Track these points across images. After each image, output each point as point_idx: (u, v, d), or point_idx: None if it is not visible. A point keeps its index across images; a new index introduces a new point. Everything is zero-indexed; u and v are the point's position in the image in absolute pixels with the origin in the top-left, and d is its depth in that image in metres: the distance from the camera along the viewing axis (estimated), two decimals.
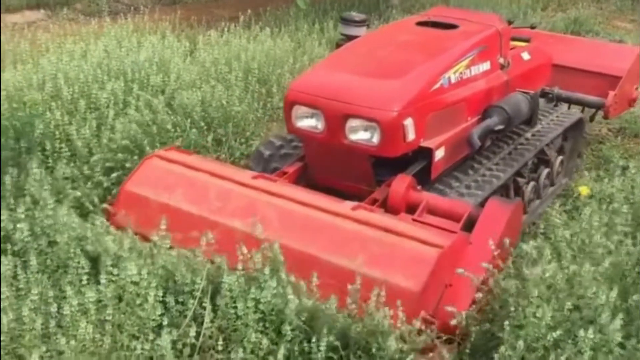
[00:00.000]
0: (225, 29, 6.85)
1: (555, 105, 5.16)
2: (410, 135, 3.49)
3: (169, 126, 4.34)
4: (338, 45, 4.87)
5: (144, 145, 4.14)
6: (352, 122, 3.50)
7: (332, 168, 3.83)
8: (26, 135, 3.95)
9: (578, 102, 5.25)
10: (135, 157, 4.04)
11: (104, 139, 4.15)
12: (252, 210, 3.09)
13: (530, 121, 4.26)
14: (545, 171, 4.62)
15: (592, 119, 5.57)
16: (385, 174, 3.63)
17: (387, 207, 3.47)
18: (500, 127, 3.95)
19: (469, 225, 3.23)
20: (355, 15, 5.34)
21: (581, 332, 2.49)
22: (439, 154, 3.66)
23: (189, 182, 3.36)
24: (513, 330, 2.63)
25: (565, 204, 4.39)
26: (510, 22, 4.66)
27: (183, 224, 3.05)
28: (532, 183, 4.43)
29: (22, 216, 2.93)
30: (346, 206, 3.18)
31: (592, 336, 2.48)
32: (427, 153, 3.63)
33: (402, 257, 2.84)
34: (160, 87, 4.97)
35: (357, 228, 3.00)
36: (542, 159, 4.61)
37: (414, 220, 3.33)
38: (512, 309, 2.72)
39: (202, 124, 4.61)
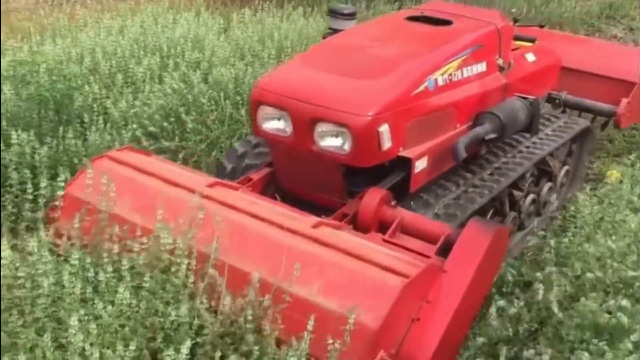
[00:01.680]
0: (259, 7, 6.89)
1: (563, 112, 4.82)
2: (387, 143, 3.07)
3: (204, 100, 4.41)
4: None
5: (180, 113, 4.24)
6: (322, 127, 3.09)
7: (300, 176, 3.42)
8: (65, 107, 4.05)
9: (587, 110, 4.89)
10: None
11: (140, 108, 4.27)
12: (201, 224, 2.66)
13: (530, 129, 3.84)
14: (547, 185, 4.30)
15: (603, 127, 5.27)
16: (360, 185, 3.22)
17: (357, 223, 3.08)
18: (493, 136, 3.52)
19: (447, 248, 2.80)
20: (344, 7, 4.92)
21: None
22: (420, 164, 3.26)
23: (137, 188, 2.97)
24: None
25: (596, 188, 4.35)
26: (515, 20, 4.29)
27: (126, 235, 2.69)
28: (530, 197, 4.10)
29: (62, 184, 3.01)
30: (307, 223, 2.73)
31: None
32: (407, 163, 3.23)
33: (361, 287, 2.43)
34: (195, 63, 5.04)
35: (315, 250, 2.58)
36: (543, 171, 4.29)
37: (384, 241, 2.93)
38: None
39: (238, 98, 4.68)
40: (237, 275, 2.50)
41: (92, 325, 2.25)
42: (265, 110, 3.25)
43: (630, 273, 2.80)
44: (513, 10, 9.03)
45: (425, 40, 3.73)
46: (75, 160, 3.66)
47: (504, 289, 3.25)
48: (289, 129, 3.20)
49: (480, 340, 2.82)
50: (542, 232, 3.84)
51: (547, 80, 4.63)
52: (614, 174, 4.09)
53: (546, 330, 2.78)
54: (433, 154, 3.34)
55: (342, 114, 3.04)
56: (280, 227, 2.68)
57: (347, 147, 3.06)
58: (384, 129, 3.04)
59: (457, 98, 3.50)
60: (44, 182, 3.06)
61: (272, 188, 3.48)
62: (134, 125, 4.10)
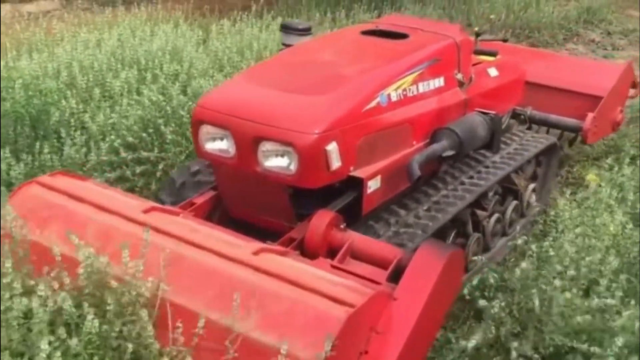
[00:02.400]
0: (238, 18, 6.88)
1: (529, 128, 4.72)
2: (335, 163, 2.88)
3: (183, 112, 4.39)
4: None
5: (159, 124, 4.22)
6: (265, 146, 2.91)
7: (246, 199, 3.24)
8: (42, 122, 4.02)
9: (553, 125, 4.82)
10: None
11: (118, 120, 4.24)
12: (133, 253, 2.43)
13: (491, 146, 3.70)
14: (513, 203, 4.14)
15: (571, 143, 5.24)
16: (309, 207, 3.01)
17: (304, 249, 2.90)
18: (450, 153, 3.38)
19: (399, 274, 2.61)
20: (298, 22, 4.64)
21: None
22: (373, 184, 3.09)
23: (67, 216, 2.72)
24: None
25: (576, 192, 4.37)
26: (477, 34, 4.18)
27: (53, 267, 2.42)
28: (495, 216, 3.94)
29: None
30: (247, 250, 2.52)
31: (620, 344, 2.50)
32: (359, 183, 3.06)
33: (302, 319, 2.23)
34: (173, 75, 5.02)
35: (254, 279, 2.38)
36: (509, 189, 4.14)
37: (333, 267, 2.74)
38: None
39: None
40: (171, 308, 2.30)
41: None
42: (206, 130, 3.07)
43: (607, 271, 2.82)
44: (492, 16, 9.11)
45: (379, 54, 3.58)
46: None
47: (486, 293, 3.24)
48: (231, 149, 3.01)
49: (463, 343, 2.80)
50: (524, 237, 3.83)
51: (511, 95, 4.52)
52: (593, 177, 4.10)
53: (528, 333, 2.76)
54: (387, 173, 3.17)
55: (286, 132, 2.86)
56: (218, 254, 2.47)
57: (293, 167, 2.88)
58: (332, 147, 2.87)
59: (413, 114, 3.35)
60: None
61: (217, 212, 3.29)
62: (112, 137, 4.06)
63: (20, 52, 5.34)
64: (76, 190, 2.83)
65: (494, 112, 3.70)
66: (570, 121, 4.71)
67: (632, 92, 5.28)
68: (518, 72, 4.55)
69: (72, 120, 4.14)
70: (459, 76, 3.72)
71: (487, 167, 3.81)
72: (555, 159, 4.57)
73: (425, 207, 3.36)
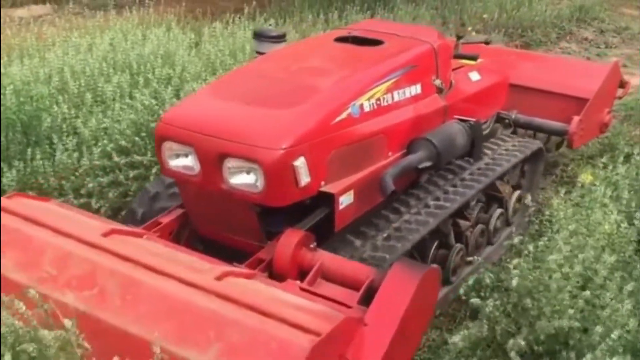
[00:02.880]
0: (230, 21, 6.87)
1: (513, 132, 4.60)
2: (304, 179, 2.75)
3: None
4: None
5: (151, 128, 4.16)
6: (230, 163, 2.77)
7: (213, 218, 3.09)
8: (33, 128, 4.00)
9: (538, 129, 4.69)
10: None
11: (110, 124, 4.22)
12: (90, 281, 2.31)
13: (471, 154, 3.59)
14: (498, 211, 4.02)
15: (559, 146, 5.14)
16: (280, 225, 2.87)
17: (273, 270, 2.77)
18: (427, 164, 3.26)
19: (371, 296, 2.48)
20: (271, 29, 4.40)
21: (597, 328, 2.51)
22: (346, 200, 2.95)
23: (24, 241, 2.54)
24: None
25: (570, 191, 4.36)
26: (459, 37, 4.08)
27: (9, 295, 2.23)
28: (479, 227, 3.81)
29: None
30: (211, 274, 2.35)
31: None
32: (330, 199, 2.92)
33: (265, 349, 2.09)
34: (166, 79, 5.00)
35: (215, 306, 2.21)
36: (493, 196, 4.02)
37: (302, 289, 2.60)
38: None
39: None
40: (127, 340, 2.16)
41: None
42: (170, 147, 2.93)
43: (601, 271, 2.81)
44: (485, 15, 9.11)
45: (351, 63, 3.44)
46: (42, 181, 3.61)
47: (482, 293, 3.23)
48: (196, 167, 2.87)
49: (460, 343, 2.79)
50: (520, 237, 3.82)
51: (495, 99, 4.37)
52: (587, 176, 4.09)
53: (522, 330, 2.75)
54: (361, 187, 3.04)
55: (251, 148, 2.71)
56: (178, 280, 2.30)
57: (259, 184, 2.74)
58: (300, 163, 2.73)
59: (387, 124, 3.22)
60: None
61: (186, 231, 3.16)
62: (105, 141, 4.05)
63: (11, 58, 5.31)
64: (34, 213, 2.66)
65: (474, 119, 3.59)
66: (556, 125, 4.59)
67: (620, 92, 5.19)
68: (501, 75, 4.42)
69: (64, 125, 4.12)
70: (438, 82, 3.58)
71: (463, 179, 3.63)
72: (541, 164, 4.45)
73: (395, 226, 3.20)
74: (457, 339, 2.80)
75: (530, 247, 3.26)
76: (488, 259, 3.90)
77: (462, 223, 3.62)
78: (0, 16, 6.76)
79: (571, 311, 2.62)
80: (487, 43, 4.53)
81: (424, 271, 2.48)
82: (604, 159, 4.26)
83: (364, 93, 3.11)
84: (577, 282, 2.81)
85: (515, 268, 2.95)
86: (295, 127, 2.82)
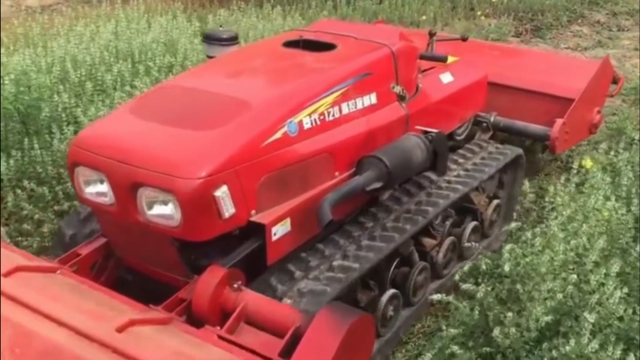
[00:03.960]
0: (235, 8, 6.86)
1: (492, 136, 4.26)
2: (228, 210, 2.44)
3: None
4: None
5: None
6: (145, 193, 2.45)
7: (134, 250, 2.78)
8: (32, 118, 4.01)
9: (519, 133, 4.34)
10: None
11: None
12: None
13: (434, 168, 3.22)
14: (472, 224, 3.72)
15: (544, 149, 4.81)
16: (211, 256, 2.58)
17: (192, 313, 2.47)
18: (376, 185, 2.89)
19: (296, 344, 2.20)
20: (223, 31, 4.07)
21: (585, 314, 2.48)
22: (281, 229, 2.62)
23: None
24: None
25: (569, 178, 4.29)
26: (432, 34, 3.74)
27: None
28: (449, 240, 3.52)
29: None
30: (112, 324, 2.01)
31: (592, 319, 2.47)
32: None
33: None
34: (167, 67, 5.00)
35: None
36: (467, 209, 3.74)
37: (220, 338, 2.28)
38: None
39: None
40: None
41: None
42: (83, 173, 2.60)
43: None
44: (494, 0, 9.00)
45: (294, 72, 3.10)
46: (40, 170, 3.63)
47: (479, 280, 3.21)
48: (110, 196, 2.56)
49: (452, 330, 2.78)
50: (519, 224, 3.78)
51: (471, 102, 3.99)
52: (588, 162, 4.04)
53: (512, 316, 2.73)
54: (300, 213, 2.71)
55: (166, 177, 2.37)
56: (75, 331, 2.00)
57: (176, 217, 2.42)
58: (222, 192, 2.41)
59: (334, 141, 2.87)
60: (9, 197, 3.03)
61: (111, 262, 2.85)
62: None
63: (15, 47, 5.34)
64: None
65: (442, 127, 3.28)
66: (537, 128, 4.23)
67: (612, 89, 4.85)
68: (478, 74, 4.01)
69: (63, 115, 4.13)
70: (398, 89, 3.24)
71: (429, 194, 3.34)
72: (522, 172, 4.11)
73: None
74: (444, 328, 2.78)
75: (529, 234, 3.24)
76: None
77: (427, 242, 3.37)
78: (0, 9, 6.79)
79: (560, 296, 2.59)
80: (464, 39, 4.11)
81: (353, 319, 2.19)
82: (603, 145, 4.21)
83: (304, 108, 2.76)
84: (570, 268, 2.78)
85: (508, 253, 2.92)
86: (218, 151, 2.47)
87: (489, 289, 2.84)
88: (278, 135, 2.64)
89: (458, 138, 3.96)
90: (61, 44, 5.06)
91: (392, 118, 3.19)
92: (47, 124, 4.02)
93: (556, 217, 3.31)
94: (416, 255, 3.28)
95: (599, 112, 4.52)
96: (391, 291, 3.09)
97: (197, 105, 2.76)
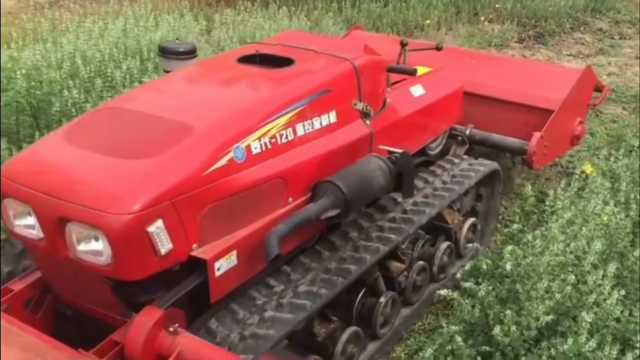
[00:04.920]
0: (242, 8, 6.93)
1: (469, 151, 4.05)
2: (164, 246, 2.22)
3: None
4: None
5: None
6: (73, 228, 2.24)
7: (69, 287, 2.57)
8: (43, 112, 4.08)
9: (495, 146, 4.09)
10: None
11: None
12: None
13: (401, 189, 2.96)
14: (445, 245, 3.53)
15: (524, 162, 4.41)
16: (153, 291, 2.37)
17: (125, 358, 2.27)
18: (331, 213, 2.66)
19: None
20: (179, 44, 3.76)
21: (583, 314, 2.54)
22: (225, 264, 2.40)
23: None
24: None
25: (569, 183, 4.34)
26: (403, 44, 3.62)
27: None
28: (420, 264, 3.33)
29: None
30: None
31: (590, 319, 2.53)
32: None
33: None
34: None
35: None
36: (440, 228, 3.55)
37: None
38: None
39: None
40: None
41: None
42: (11, 205, 2.40)
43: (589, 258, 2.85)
44: (497, 5, 9.08)
45: (245, 91, 2.89)
46: None
47: (480, 280, 3.27)
48: (39, 230, 2.36)
49: (453, 327, 2.84)
50: (519, 226, 3.84)
51: (445, 115, 3.79)
52: (588, 168, 4.11)
53: (511, 315, 2.80)
54: (248, 245, 2.48)
55: (93, 212, 2.16)
56: None
57: (107, 255, 2.20)
58: (157, 227, 2.20)
59: (287, 165, 2.64)
60: None
61: (48, 297, 2.63)
62: None
63: (25, 42, 5.41)
64: None
65: (400, 149, 2.98)
66: (514, 142, 4.00)
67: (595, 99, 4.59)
68: (453, 86, 3.80)
69: (73, 110, 4.19)
70: (360, 106, 3.02)
71: (393, 220, 3.09)
72: (499, 187, 3.93)
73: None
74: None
75: (529, 236, 3.31)
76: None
77: (394, 266, 3.17)
78: (0, 6, 6.85)
79: (558, 296, 2.66)
80: (438, 48, 3.85)
81: None
82: (604, 151, 4.27)
83: (253, 131, 2.52)
84: (569, 270, 2.85)
85: (509, 254, 2.99)
86: (152, 182, 2.24)
87: (490, 288, 2.91)
88: (222, 162, 2.40)
89: (431, 153, 3.76)
90: (70, 39, 5.13)
91: (354, 137, 2.97)
92: (57, 118, 4.08)
93: (556, 220, 3.38)
94: (382, 283, 3.07)
95: (581, 122, 4.30)
96: (352, 328, 2.88)
97: (134, 131, 2.52)
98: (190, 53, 3.69)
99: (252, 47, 3.25)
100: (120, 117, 2.62)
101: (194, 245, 2.35)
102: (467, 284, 2.94)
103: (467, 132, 4.01)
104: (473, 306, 2.94)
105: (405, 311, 3.29)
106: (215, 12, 7.20)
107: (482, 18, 8.81)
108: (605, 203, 3.38)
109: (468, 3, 9.16)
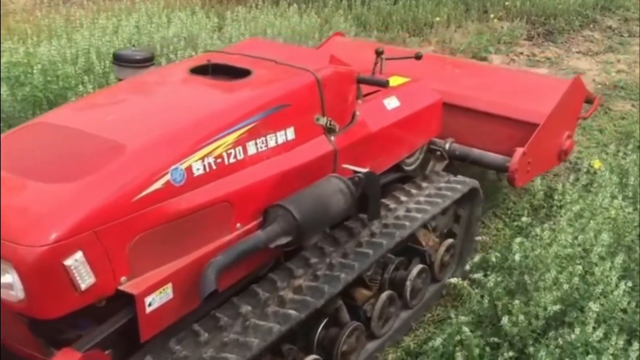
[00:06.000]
0: (254, 5, 6.99)
1: (449, 166, 3.76)
2: (86, 280, 1.98)
3: None
4: None
5: None
6: None
7: None
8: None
9: (476, 162, 3.82)
10: None
11: None
12: None
13: (366, 211, 2.77)
14: (418, 268, 3.23)
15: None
16: (83, 326, 2.16)
17: None
18: (282, 241, 2.40)
19: None
20: (135, 51, 3.51)
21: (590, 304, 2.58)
22: (157, 299, 2.14)
23: None
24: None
25: (578, 178, 4.31)
26: (378, 53, 3.35)
27: None
28: (386, 294, 3.04)
29: None
30: None
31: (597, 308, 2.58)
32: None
33: None
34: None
35: None
36: (413, 250, 3.29)
37: None
38: None
39: None
40: None
41: None
42: None
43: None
44: (507, 3, 9.09)
45: (190, 106, 2.56)
46: None
47: (488, 272, 3.30)
48: None
49: (462, 318, 2.89)
50: (528, 219, 3.86)
51: (421, 129, 3.52)
52: (597, 163, 4.15)
53: (519, 306, 2.84)
54: (187, 277, 2.21)
55: (3, 244, 1.93)
56: None
57: (19, 291, 1.95)
58: (76, 260, 1.95)
59: (235, 187, 2.39)
60: None
61: None
62: None
63: (40, 39, 5.49)
64: None
65: (365, 169, 2.78)
66: (495, 158, 3.75)
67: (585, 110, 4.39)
68: (431, 98, 3.53)
69: None
70: (323, 121, 2.77)
71: (359, 244, 2.83)
72: (478, 207, 3.65)
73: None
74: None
75: (538, 230, 3.35)
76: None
77: (360, 293, 2.94)
78: (0, 5, 6.95)
79: (566, 287, 2.71)
80: (417, 57, 3.56)
81: None
82: (613, 147, 4.31)
83: (196, 150, 2.27)
84: (577, 262, 2.90)
85: (518, 246, 3.03)
86: (71, 210, 1.99)
87: (499, 279, 2.96)
88: (157, 185, 2.14)
89: (407, 169, 3.51)
90: (85, 36, 5.20)
91: (314, 155, 2.72)
92: None
93: (565, 214, 3.43)
94: (345, 313, 2.80)
95: (569, 136, 4.04)
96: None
97: (60, 150, 2.27)
98: (147, 61, 3.42)
99: (208, 56, 2.99)
100: (48, 134, 2.36)
101: (123, 278, 2.09)
102: (476, 275, 2.99)
103: (447, 146, 3.74)
104: (482, 296, 2.99)
105: (371, 345, 3.02)
106: (227, 9, 7.26)
107: (492, 15, 8.82)
108: (613, 197, 3.43)
109: (477, 0, 9.18)
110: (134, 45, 4.24)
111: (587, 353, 2.49)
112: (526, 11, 9.03)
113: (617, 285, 2.68)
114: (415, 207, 3.15)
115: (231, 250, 2.28)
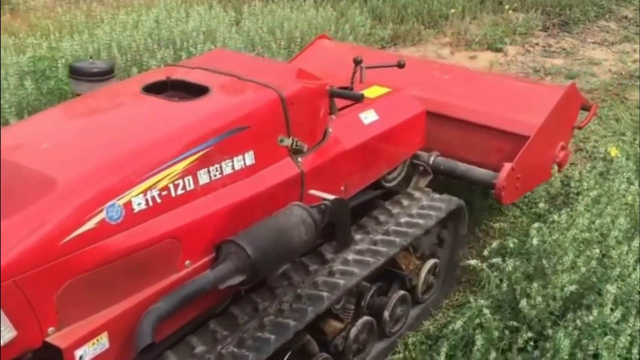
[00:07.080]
0: None
1: (432, 182, 3.48)
2: (6, 334, 1.79)
3: None
4: None
5: None
6: None
7: None
8: None
9: (462, 177, 3.50)
10: None
11: None
12: None
13: (335, 239, 2.54)
14: (398, 295, 3.01)
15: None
16: None
17: None
18: (234, 281, 2.13)
19: None
20: (93, 64, 3.27)
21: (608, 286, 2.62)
22: (93, 350, 1.93)
23: None
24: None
25: (595, 166, 4.35)
26: (357, 62, 3.12)
27: None
28: (364, 319, 2.81)
29: None
30: None
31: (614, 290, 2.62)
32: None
33: None
34: None
35: None
36: (393, 274, 3.05)
37: None
38: None
39: None
40: None
41: None
42: None
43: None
44: None
45: (134, 132, 2.26)
46: None
47: (506, 258, 3.32)
48: None
49: (481, 301, 2.94)
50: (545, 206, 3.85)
51: (402, 143, 3.26)
52: (613, 150, 4.18)
53: (537, 289, 2.88)
54: (126, 324, 1.98)
55: None
56: None
57: None
58: None
59: (184, 222, 2.13)
60: None
61: None
62: None
63: (62, 34, 5.60)
64: None
65: (333, 196, 2.52)
66: (482, 173, 3.44)
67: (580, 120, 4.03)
68: (414, 109, 3.25)
69: None
70: (288, 142, 2.50)
71: (331, 273, 2.60)
72: (463, 227, 3.41)
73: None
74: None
75: (555, 216, 3.38)
76: None
77: (330, 326, 2.68)
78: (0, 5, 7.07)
79: (583, 269, 2.76)
80: (400, 66, 3.32)
81: None
82: (629, 135, 4.34)
83: (136, 184, 2.01)
84: (594, 247, 2.95)
85: (536, 231, 3.08)
86: None
87: (517, 264, 3.01)
88: (90, 225, 1.90)
89: (388, 185, 3.27)
90: (106, 31, 5.31)
91: (277, 180, 2.46)
92: None
93: (582, 199, 3.47)
94: (314, 346, 2.58)
95: (563, 147, 3.76)
96: None
97: None
98: (106, 74, 3.18)
99: (166, 71, 2.71)
100: None
101: (50, 329, 1.87)
102: (494, 260, 3.05)
103: (431, 160, 3.45)
104: (501, 280, 3.04)
105: None
106: (244, 3, 7.33)
107: (507, 7, 8.83)
108: (630, 183, 3.47)
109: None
110: (91, 57, 3.88)
111: (605, 334, 2.53)
112: (541, 2, 9.02)
113: (634, 268, 2.73)
114: (394, 230, 2.91)
115: (173, 295, 2.02)
